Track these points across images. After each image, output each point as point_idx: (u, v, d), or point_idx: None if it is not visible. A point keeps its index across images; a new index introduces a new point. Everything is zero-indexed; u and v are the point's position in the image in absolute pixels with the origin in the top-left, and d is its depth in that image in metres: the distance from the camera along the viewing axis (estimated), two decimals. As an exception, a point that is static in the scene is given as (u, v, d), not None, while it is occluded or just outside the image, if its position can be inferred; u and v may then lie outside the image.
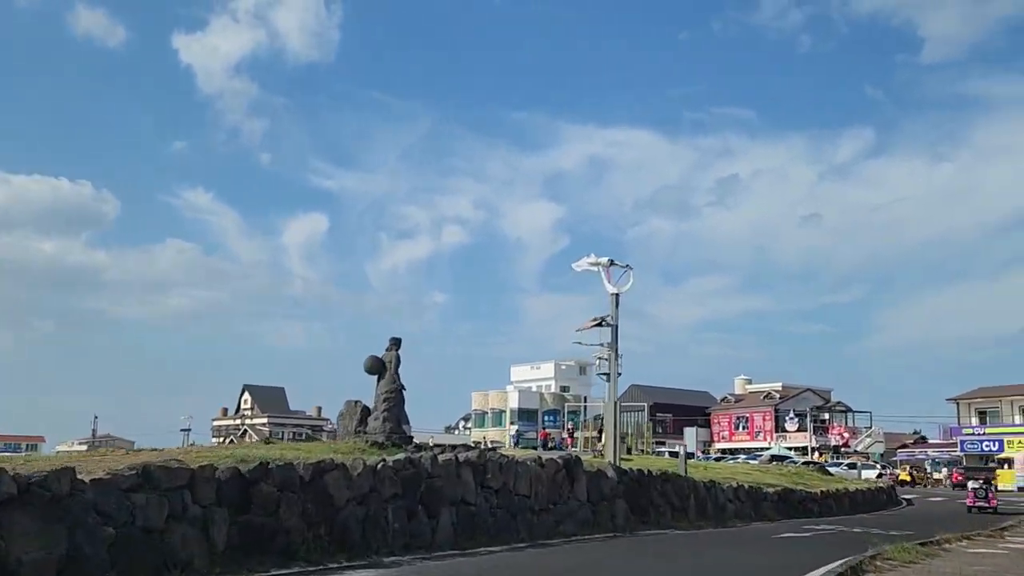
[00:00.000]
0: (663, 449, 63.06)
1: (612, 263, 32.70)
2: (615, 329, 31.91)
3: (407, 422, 21.11)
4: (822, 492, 33.33)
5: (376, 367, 20.20)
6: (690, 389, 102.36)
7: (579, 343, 33.34)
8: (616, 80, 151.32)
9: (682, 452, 30.22)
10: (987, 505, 38.02)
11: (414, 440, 20.56)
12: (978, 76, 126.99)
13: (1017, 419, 71.87)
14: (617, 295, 32.29)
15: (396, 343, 20.38)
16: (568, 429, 72.20)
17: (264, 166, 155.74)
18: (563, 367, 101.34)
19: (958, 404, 76.46)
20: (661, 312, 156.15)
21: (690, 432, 47.25)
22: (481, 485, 17.49)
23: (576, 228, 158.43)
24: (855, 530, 25.68)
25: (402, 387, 20.14)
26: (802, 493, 31.99)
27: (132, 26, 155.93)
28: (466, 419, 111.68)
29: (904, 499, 43.98)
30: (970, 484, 39.32)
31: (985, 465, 66.52)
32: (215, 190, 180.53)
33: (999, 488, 63.53)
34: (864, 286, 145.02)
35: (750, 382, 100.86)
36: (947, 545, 20.39)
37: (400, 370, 20.34)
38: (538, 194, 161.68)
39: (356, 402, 20.77)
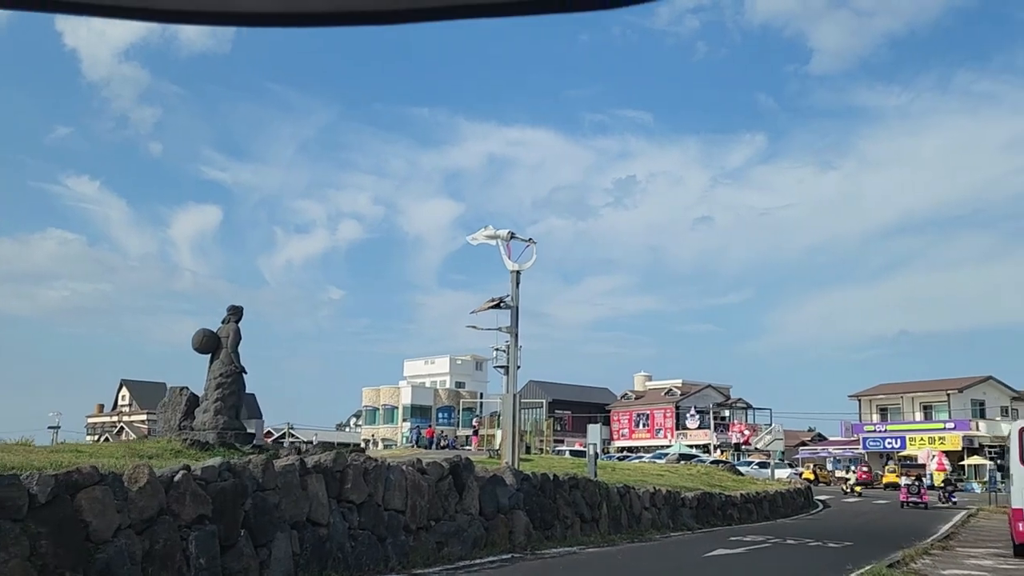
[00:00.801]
0: (563, 448, 59.35)
1: (513, 236, 28.64)
2: (515, 312, 27.82)
3: (258, 416, 16.47)
4: (742, 496, 29.93)
5: (208, 344, 15.51)
6: (590, 385, 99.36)
7: (473, 327, 29.15)
8: (517, 80, 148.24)
9: (590, 452, 26.27)
10: (919, 500, 37.41)
11: (256, 438, 15.90)
12: (864, 88, 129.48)
13: (918, 416, 70.82)
14: (518, 272, 28.23)
15: (236, 313, 15.73)
16: (474, 425, 68.01)
17: (155, 156, 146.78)
18: (459, 362, 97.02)
19: (860, 401, 75.16)
20: (559, 311, 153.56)
21: (594, 429, 43.53)
22: (337, 499, 13.08)
23: (475, 226, 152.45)
24: (789, 542, 22.17)
25: (242, 370, 15.45)
26: (721, 497, 28.48)
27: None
28: (357, 416, 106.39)
29: (818, 500, 41.21)
30: (903, 481, 38.40)
31: (914, 463, 65.28)
32: (102, 178, 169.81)
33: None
34: (753, 288, 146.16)
35: (650, 379, 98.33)
36: (914, 565, 16.92)
37: (242, 348, 15.70)
38: (437, 191, 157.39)
39: (182, 389, 16.00)
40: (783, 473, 48.65)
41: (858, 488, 51.79)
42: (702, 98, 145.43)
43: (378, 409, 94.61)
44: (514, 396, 26.84)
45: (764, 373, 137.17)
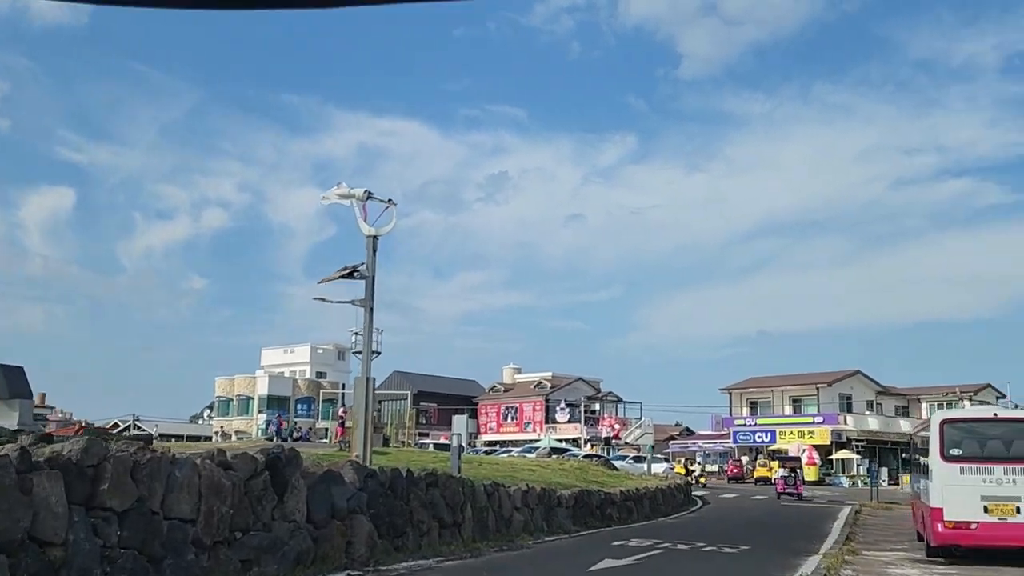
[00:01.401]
0: (427, 441, 55.68)
1: (370, 196, 24.81)
2: (371, 283, 23.97)
3: (26, 395, 12.28)
4: (622, 493, 26.97)
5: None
6: (457, 377, 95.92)
7: (322, 299, 25.13)
8: (391, 71, 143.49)
9: (454, 444, 22.68)
10: (795, 491, 37.91)
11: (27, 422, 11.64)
12: (730, 94, 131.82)
13: (788, 409, 70.23)
14: (375, 238, 24.43)
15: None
16: (340, 416, 63.17)
17: (3, 133, 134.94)
18: (319, 351, 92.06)
19: (731, 394, 74.21)
20: (430, 305, 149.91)
21: (460, 420, 40.46)
22: (86, 506, 9.10)
23: (344, 216, 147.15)
24: (680, 547, 19.17)
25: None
26: (600, 495, 25.42)
27: None
28: (211, 407, 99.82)
29: (696, 497, 38.90)
30: (779, 473, 39.16)
31: (790, 456, 64.24)
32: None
33: (772, 480, 61.05)
34: (623, 286, 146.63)
35: (519, 371, 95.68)
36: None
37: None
38: (306, 180, 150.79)
39: None
40: (659, 468, 46.36)
41: (702, 479, 50.97)
42: (576, 97, 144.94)
43: (232, 400, 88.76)
44: (367, 379, 23.00)
45: (633, 369, 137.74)
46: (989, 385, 69.71)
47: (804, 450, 61.60)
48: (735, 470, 63.17)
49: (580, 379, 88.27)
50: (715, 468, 69.26)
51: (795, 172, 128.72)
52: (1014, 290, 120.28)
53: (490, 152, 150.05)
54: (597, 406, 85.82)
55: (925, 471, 18.11)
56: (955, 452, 16.18)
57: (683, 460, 67.23)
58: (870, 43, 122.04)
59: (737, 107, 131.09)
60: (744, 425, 70.20)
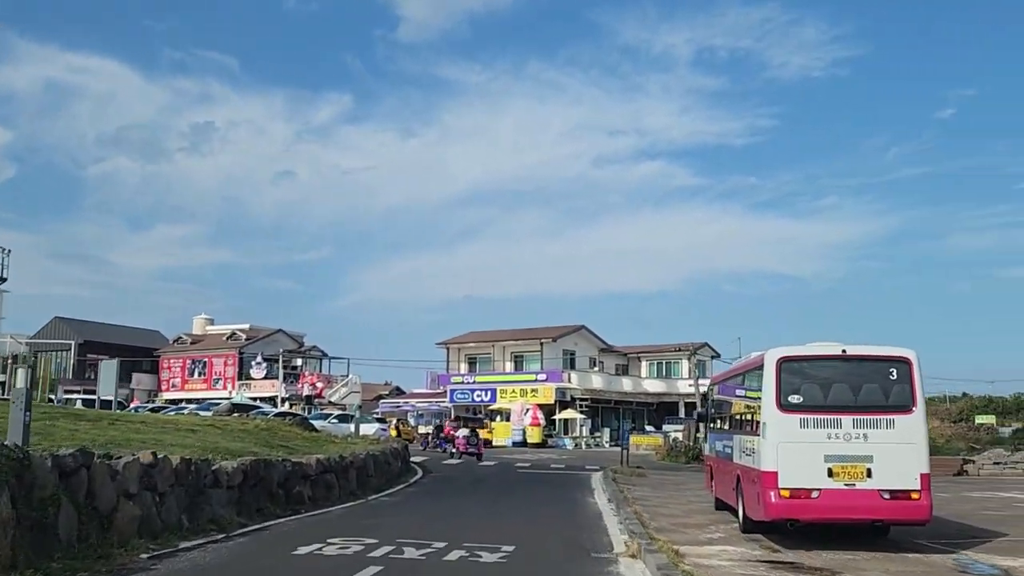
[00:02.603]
0: (74, 396, 44.30)
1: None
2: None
3: None
4: (320, 463, 18.87)
5: None
6: (136, 327, 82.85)
7: None
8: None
9: (15, 400, 13.08)
10: (476, 451, 36.83)
11: None
12: (448, 62, 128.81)
13: (509, 366, 65.05)
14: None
15: None
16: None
17: None
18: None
19: (448, 349, 67.96)
20: (122, 259, 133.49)
21: (109, 366, 30.51)
22: None
23: (28, 158, 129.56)
24: (409, 553, 11.53)
25: None
26: (285, 467, 17.21)
27: None
28: None
29: (415, 463, 31.65)
30: (461, 432, 38.61)
31: (475, 416, 58.44)
32: None
33: (495, 443, 55.42)
34: (335, 246, 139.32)
35: (212, 322, 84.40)
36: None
37: None
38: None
39: None
40: (370, 429, 38.59)
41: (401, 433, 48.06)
42: (291, 51, 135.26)
43: None
44: None
45: (346, 332, 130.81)
46: (707, 344, 68.28)
47: (528, 409, 56.47)
48: (451, 431, 56.68)
49: (281, 331, 78.65)
50: (430, 429, 62.72)
51: (508, 144, 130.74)
52: (695, 265, 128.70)
53: (196, 100, 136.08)
54: (299, 362, 76.77)
55: (740, 426, 15.22)
56: (794, 400, 12.71)
57: (395, 420, 60.18)
58: (582, 26, 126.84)
59: (454, 75, 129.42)
60: (462, 383, 64.16)
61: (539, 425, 55.29)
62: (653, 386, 66.69)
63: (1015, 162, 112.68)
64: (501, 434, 56.82)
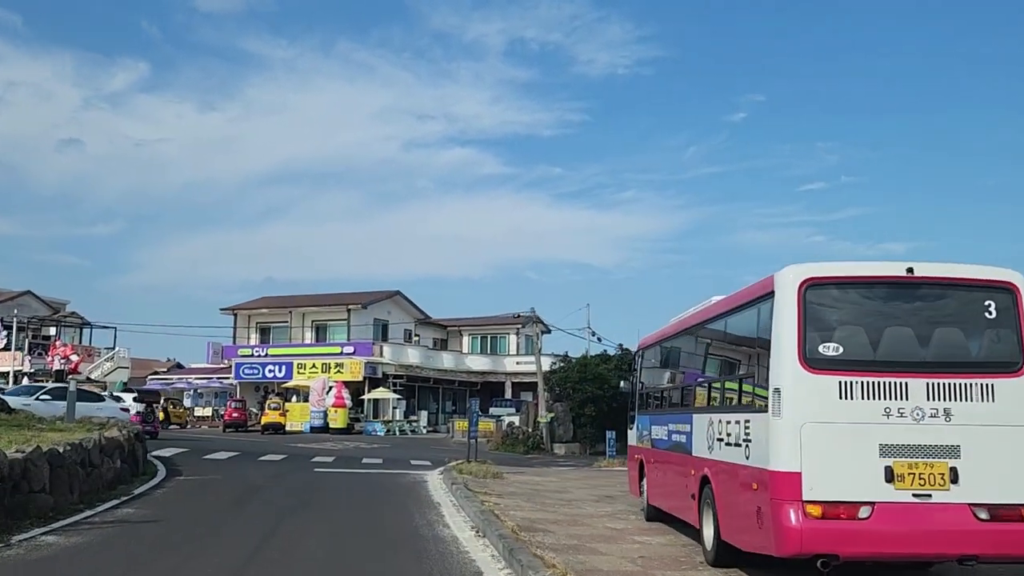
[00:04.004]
0: None
1: None
2: None
3: None
4: None
5: None
6: None
7: None
8: None
9: None
10: (152, 429, 33.32)
11: None
12: (252, 35, 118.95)
13: (309, 337, 54.95)
14: None
15: None
16: None
17: None
18: None
19: (236, 315, 56.99)
20: None
21: None
22: None
23: None
24: None
25: None
26: None
27: None
28: None
29: (157, 459, 21.64)
30: (137, 408, 33.57)
31: (265, 395, 48.25)
32: None
33: (288, 428, 45.55)
34: (126, 220, 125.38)
35: (-54, 283, 69.10)
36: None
37: None
38: None
39: None
40: (110, 408, 27.80)
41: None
42: (83, 11, 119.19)
43: None
44: None
45: (132, 312, 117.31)
46: (537, 316, 60.31)
47: (330, 387, 46.69)
48: (236, 414, 46.13)
49: (30, 293, 64.76)
50: (208, 411, 51.84)
51: (315, 123, 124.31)
52: (501, 253, 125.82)
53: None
54: (53, 330, 63.37)
55: (712, 399, 10.11)
56: (830, 352, 7.75)
57: (164, 400, 49.08)
58: (393, 7, 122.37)
59: (259, 49, 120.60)
60: (251, 356, 53.44)
61: (344, 406, 45.67)
62: (477, 363, 58.22)
63: (798, 165, 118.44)
64: (297, 417, 46.83)
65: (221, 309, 57.99)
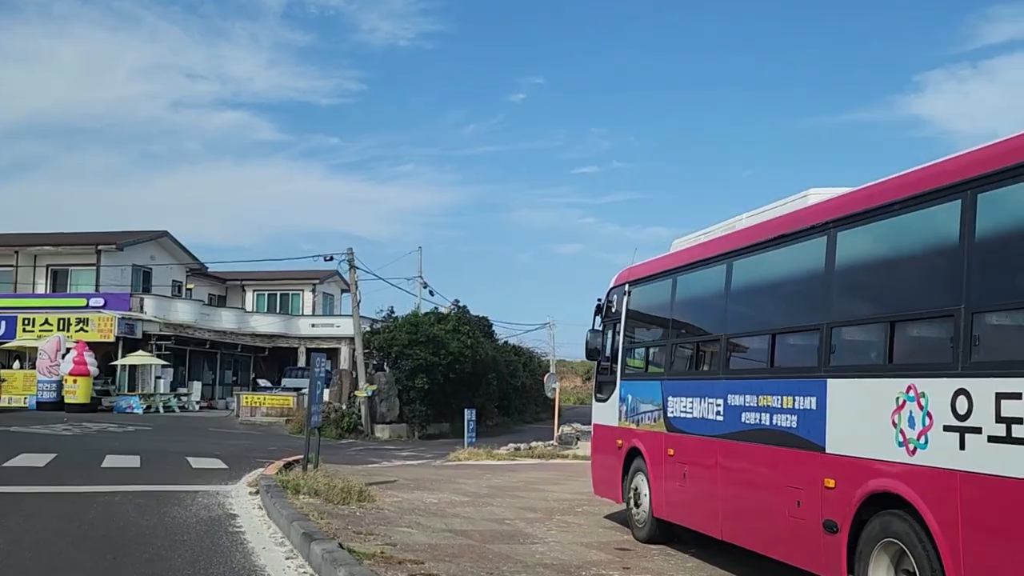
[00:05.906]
0: None
1: None
2: None
3: None
4: None
5: None
6: None
7: None
8: None
9: None
10: None
11: None
12: None
13: (42, 285, 42.60)
14: None
15: None
16: None
17: None
18: None
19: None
20: None
21: None
22: None
23: None
24: None
25: None
26: None
27: None
28: None
29: None
30: None
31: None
32: None
33: (5, 405, 34.01)
34: None
35: None
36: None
37: None
38: None
39: None
40: None
41: None
42: None
43: None
44: None
45: None
46: (337, 272, 50.58)
47: (68, 349, 35.10)
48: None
49: None
50: None
51: (72, 73, 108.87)
52: (274, 222, 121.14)
53: None
54: None
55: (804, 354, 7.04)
56: None
57: None
58: None
59: None
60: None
61: (87, 375, 34.26)
62: (265, 323, 47.68)
63: (571, 148, 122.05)
64: (19, 389, 34.99)
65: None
